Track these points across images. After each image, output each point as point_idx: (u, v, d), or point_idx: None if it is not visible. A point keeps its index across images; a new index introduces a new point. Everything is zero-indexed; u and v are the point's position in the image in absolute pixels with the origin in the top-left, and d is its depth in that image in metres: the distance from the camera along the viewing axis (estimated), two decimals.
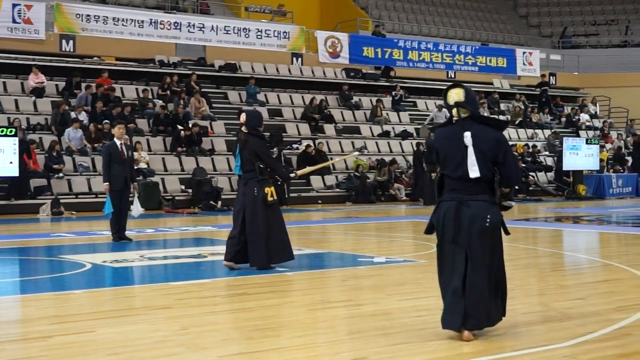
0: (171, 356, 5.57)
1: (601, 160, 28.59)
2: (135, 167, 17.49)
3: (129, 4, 28.65)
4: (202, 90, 26.13)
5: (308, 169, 12.89)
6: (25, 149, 19.72)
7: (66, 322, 6.71)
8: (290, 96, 28.42)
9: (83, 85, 24.03)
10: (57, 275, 9.88)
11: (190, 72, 26.60)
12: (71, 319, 6.88)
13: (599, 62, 37.22)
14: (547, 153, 30.51)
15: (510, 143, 25.21)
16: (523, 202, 24.61)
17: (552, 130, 31.71)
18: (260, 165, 9.63)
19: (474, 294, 5.86)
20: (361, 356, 5.53)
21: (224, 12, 32.27)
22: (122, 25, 25.85)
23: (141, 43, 26.38)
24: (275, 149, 24.10)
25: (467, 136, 5.90)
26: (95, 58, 25.85)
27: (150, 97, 25.19)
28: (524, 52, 34.80)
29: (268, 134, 25.35)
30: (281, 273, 9.48)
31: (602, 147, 29.97)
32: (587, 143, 27.60)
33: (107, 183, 13.00)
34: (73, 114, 22.58)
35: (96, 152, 21.33)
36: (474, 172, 5.88)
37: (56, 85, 24.37)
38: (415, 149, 25.57)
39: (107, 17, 25.64)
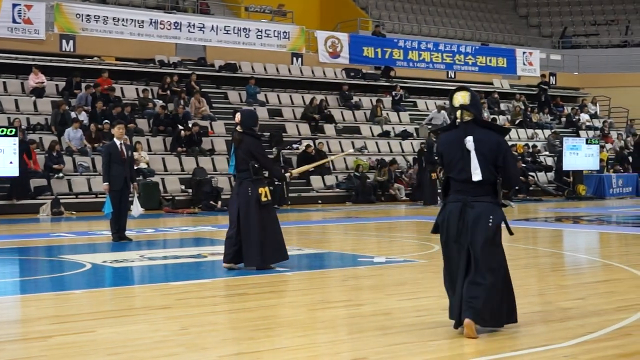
0: (171, 356, 5.57)
1: (601, 160, 28.59)
2: (135, 167, 17.49)
3: (129, 4, 28.65)
4: (202, 90, 26.13)
5: (303, 168, 12.91)
6: (25, 149, 19.71)
7: (66, 322, 6.71)
8: (290, 96, 28.42)
9: (83, 85, 24.03)
10: (57, 275, 9.88)
11: (190, 72, 26.60)
12: (71, 319, 6.88)
13: (599, 62, 37.23)
14: (547, 153, 30.51)
15: (510, 143, 25.35)
16: (523, 202, 24.62)
17: (552, 130, 31.72)
18: (255, 165, 9.60)
19: (476, 291, 5.97)
20: (361, 356, 5.53)
21: (224, 12, 32.27)
22: (122, 25, 25.85)
23: (141, 43, 26.38)
24: (274, 149, 24.14)
25: (470, 140, 6.07)
26: (95, 58, 25.85)
27: (150, 97, 25.19)
28: (524, 52, 34.80)
29: (268, 134, 25.41)
30: (281, 273, 9.48)
31: (602, 147, 29.97)
32: (587, 143, 27.61)
33: (107, 183, 13.00)
34: (73, 114, 22.58)
35: (96, 152, 21.34)
36: (476, 175, 6.06)
37: (56, 85, 24.37)
38: (419, 149, 25.54)
39: (107, 17, 25.63)
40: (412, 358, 5.50)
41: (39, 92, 23.48)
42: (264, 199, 9.58)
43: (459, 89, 6.26)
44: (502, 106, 32.53)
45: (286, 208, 22.21)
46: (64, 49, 25.38)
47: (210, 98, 26.22)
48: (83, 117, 22.70)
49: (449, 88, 33.50)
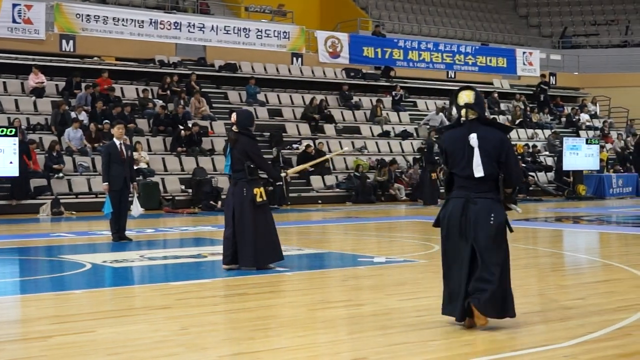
0: (171, 356, 5.57)
1: (601, 160, 28.59)
2: (135, 167, 17.49)
3: (129, 4, 28.65)
4: (202, 90, 26.14)
5: (299, 167, 12.91)
6: (24, 150, 19.68)
7: (66, 322, 6.71)
8: (290, 96, 28.42)
9: (83, 85, 24.03)
10: (57, 275, 9.88)
11: (190, 72, 26.60)
12: (71, 319, 6.88)
13: (599, 62, 37.23)
14: (547, 153, 30.51)
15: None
16: (523, 202, 24.61)
17: (552, 130, 31.72)
18: (250, 165, 9.58)
19: (483, 285, 6.14)
20: (361, 356, 5.53)
21: (224, 12, 32.27)
22: (122, 25, 25.85)
23: (141, 43, 26.38)
24: (274, 149, 24.13)
25: (473, 138, 6.22)
26: (95, 58, 25.85)
27: (150, 97, 25.19)
28: (524, 52, 34.79)
29: (268, 134, 25.42)
30: (281, 273, 9.49)
31: (602, 147, 29.98)
32: (587, 143, 27.61)
33: (107, 183, 13.00)
34: (73, 114, 22.59)
35: (96, 152, 21.34)
36: (478, 171, 6.20)
37: (56, 85, 24.37)
38: (418, 148, 25.55)
39: (107, 17, 25.63)
40: (412, 358, 5.50)
41: (39, 92, 23.48)
42: (259, 199, 9.55)
43: (464, 88, 6.44)
44: (502, 106, 32.52)
45: (286, 208, 22.22)
46: (64, 49, 25.38)
47: (210, 98, 26.22)
48: (83, 117, 22.70)
49: (449, 88, 33.71)
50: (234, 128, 9.73)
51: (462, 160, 6.26)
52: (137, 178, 16.19)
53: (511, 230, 6.39)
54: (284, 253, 9.85)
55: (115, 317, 6.91)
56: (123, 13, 26.29)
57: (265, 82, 28.30)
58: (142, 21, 26.22)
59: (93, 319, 6.76)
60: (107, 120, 22.16)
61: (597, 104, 35.79)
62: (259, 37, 28.50)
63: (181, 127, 23.52)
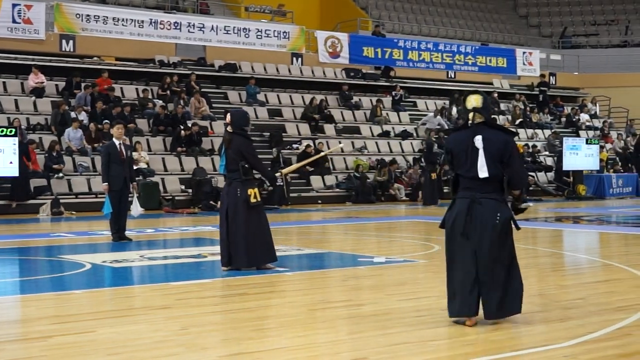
0: (171, 356, 5.57)
1: (601, 160, 28.59)
2: (135, 167, 17.50)
3: (129, 4, 28.65)
4: (202, 90, 26.14)
5: (293, 166, 12.89)
6: (23, 151, 19.62)
7: (66, 322, 6.71)
8: (290, 96, 28.42)
9: (83, 85, 24.03)
10: (57, 276, 9.88)
11: (190, 72, 26.60)
12: (71, 319, 6.88)
13: (599, 62, 37.23)
14: (547, 153, 30.52)
15: None
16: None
17: (552, 130, 31.72)
18: (245, 165, 9.56)
19: (484, 286, 6.30)
20: (361, 356, 5.53)
21: (224, 12, 32.27)
22: (122, 25, 25.85)
23: (141, 43, 26.38)
24: (274, 150, 24.12)
25: (478, 139, 6.38)
26: (95, 58, 25.86)
27: (150, 97, 25.19)
28: (524, 52, 34.79)
29: (268, 134, 25.43)
30: (281, 273, 9.48)
31: (602, 147, 29.97)
32: (587, 143, 27.61)
33: (106, 183, 12.99)
34: (73, 114, 22.59)
35: (96, 152, 21.33)
36: (483, 172, 6.35)
37: (56, 85, 24.37)
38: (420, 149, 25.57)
39: (107, 17, 25.63)
40: (412, 358, 5.50)
41: (38, 92, 23.48)
42: (253, 200, 9.52)
43: (473, 92, 6.62)
44: (502, 106, 32.52)
45: (286, 208, 22.22)
46: (63, 49, 25.38)
47: (210, 98, 26.23)
48: (83, 117, 22.70)
49: (448, 88, 33.67)
50: (229, 128, 9.72)
51: (467, 161, 6.40)
52: (137, 178, 16.19)
53: (518, 228, 6.54)
54: (284, 253, 9.85)
55: (115, 317, 6.91)
56: (123, 13, 26.29)
57: (265, 82, 28.31)
58: (142, 21, 26.22)
59: (93, 319, 6.76)
60: (107, 120, 22.15)
61: (597, 104, 35.79)
62: (258, 37, 28.50)
63: (181, 127, 23.51)
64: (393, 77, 31.36)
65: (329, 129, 27.16)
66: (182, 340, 6.02)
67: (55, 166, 20.73)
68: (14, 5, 24.12)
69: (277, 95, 28.12)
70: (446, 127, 27.82)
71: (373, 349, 5.68)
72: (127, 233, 13.39)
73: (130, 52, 26.46)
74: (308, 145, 24.62)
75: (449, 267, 6.54)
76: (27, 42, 24.63)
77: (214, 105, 26.05)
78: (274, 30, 29.05)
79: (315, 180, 24.64)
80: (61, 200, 19.79)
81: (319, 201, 23.93)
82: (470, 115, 6.49)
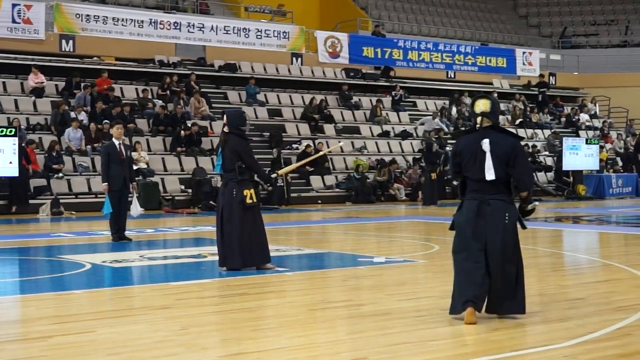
0: (171, 356, 5.57)
1: (601, 160, 28.59)
2: (135, 167, 17.50)
3: (129, 4, 28.65)
4: (202, 90, 26.14)
5: (289, 167, 12.88)
6: (22, 154, 19.51)
7: (66, 322, 6.71)
8: (290, 96, 28.42)
9: (83, 85, 24.02)
10: (57, 276, 9.88)
11: (189, 72, 26.60)
12: (71, 319, 6.88)
13: (599, 62, 37.23)
14: (547, 153, 30.52)
15: None
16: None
17: (552, 130, 31.72)
18: (241, 165, 9.55)
19: (495, 284, 6.49)
20: (361, 356, 5.53)
21: (224, 12, 32.27)
22: (122, 25, 25.86)
23: (141, 43, 26.38)
24: (274, 150, 24.12)
25: (486, 143, 6.54)
26: (95, 58, 25.85)
27: (150, 97, 25.19)
28: (523, 52, 34.80)
29: (268, 134, 25.43)
30: (281, 273, 9.48)
31: (601, 147, 29.97)
32: (586, 143, 27.60)
33: (106, 183, 12.99)
34: (73, 114, 22.58)
35: (96, 152, 21.33)
36: (490, 175, 6.51)
37: (56, 85, 24.37)
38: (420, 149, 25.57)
39: (106, 17, 25.64)
40: (412, 358, 5.50)
41: (38, 92, 23.48)
42: (249, 201, 9.50)
43: (482, 96, 6.81)
44: (502, 106, 32.51)
45: (286, 208, 22.22)
46: (63, 49, 25.38)
47: (210, 98, 26.23)
48: (83, 117, 22.70)
49: (448, 88, 33.63)
50: (225, 128, 9.71)
51: (474, 164, 6.56)
52: (136, 178, 16.19)
53: (524, 227, 6.72)
54: (284, 253, 9.84)
55: (115, 317, 6.91)
56: (123, 13, 26.29)
57: (264, 82, 28.31)
58: (142, 21, 26.23)
59: (93, 319, 6.76)
60: (106, 120, 22.15)
61: (597, 104, 35.79)
62: (258, 37, 28.50)
63: (181, 127, 23.50)
64: (393, 77, 31.37)
65: (329, 129, 27.16)
66: (182, 340, 6.02)
67: (55, 166, 20.73)
68: (13, 5, 24.12)
69: (277, 95, 28.13)
70: (445, 128, 27.81)
71: (373, 349, 5.68)
72: (127, 233, 13.39)
73: (130, 52, 26.46)
74: (308, 145, 24.62)
75: (459, 266, 6.59)
76: (27, 42, 24.63)
77: (213, 105, 26.05)
78: (274, 30, 29.05)
79: (315, 180, 24.64)
80: (61, 200, 19.79)
81: (319, 201, 23.93)
82: (479, 119, 6.65)
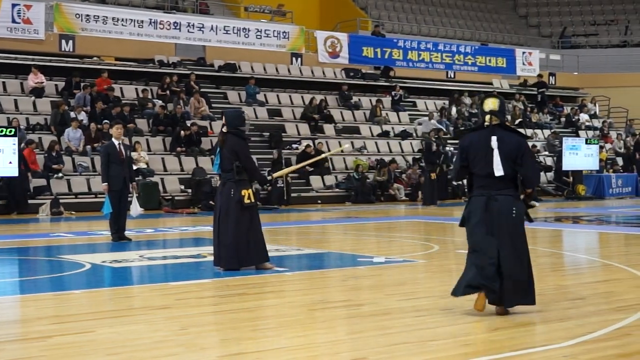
0: (171, 356, 5.57)
1: (601, 160, 28.59)
2: (135, 167, 17.49)
3: (129, 4, 28.65)
4: (202, 90, 26.14)
5: (285, 170, 12.89)
6: (20, 157, 19.42)
7: (66, 322, 6.71)
8: (290, 96, 28.42)
9: (82, 85, 24.01)
10: (57, 276, 9.88)
11: (189, 72, 26.60)
12: (71, 319, 6.87)
13: (599, 62, 37.23)
14: (546, 153, 30.51)
15: None
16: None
17: (552, 130, 31.72)
18: (239, 165, 9.53)
19: (507, 277, 6.68)
20: (361, 356, 5.53)
21: (224, 12, 32.27)
22: (122, 25, 25.86)
23: (141, 43, 26.38)
24: (275, 151, 24.11)
25: (494, 140, 6.79)
26: (95, 58, 25.85)
27: (149, 97, 25.19)
28: (523, 52, 34.80)
29: (267, 134, 25.43)
30: (280, 273, 9.48)
31: (601, 147, 29.97)
32: (586, 143, 27.60)
33: (106, 183, 12.99)
34: (72, 114, 22.58)
35: (95, 152, 21.33)
36: (498, 171, 6.75)
37: (55, 85, 24.37)
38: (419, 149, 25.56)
39: (106, 17, 25.64)
40: (411, 358, 5.50)
41: (38, 92, 23.47)
42: (247, 201, 9.49)
43: (490, 95, 7.10)
44: None
45: (286, 208, 22.22)
46: (63, 49, 25.38)
47: (210, 98, 26.22)
48: (82, 117, 22.70)
49: (448, 88, 33.60)
50: (224, 128, 9.71)
51: (482, 160, 6.79)
52: (136, 178, 16.18)
53: (531, 221, 7.03)
54: (283, 253, 9.82)
55: (114, 317, 6.90)
56: (122, 13, 26.30)
57: (264, 82, 28.31)
58: (142, 21, 26.23)
59: (92, 319, 6.76)
60: (106, 120, 22.15)
61: (597, 104, 35.79)
62: (258, 37, 28.50)
63: (180, 127, 23.49)
64: (393, 77, 31.37)
65: (329, 129, 27.16)
66: (181, 340, 6.02)
67: (54, 166, 20.73)
68: (13, 5, 24.12)
69: (277, 95, 28.13)
70: (444, 129, 27.80)
71: (372, 349, 5.68)
72: (126, 233, 13.39)
73: (130, 52, 26.46)
74: (308, 145, 24.62)
75: (471, 257, 6.84)
76: (27, 42, 24.63)
77: (213, 105, 26.04)
78: (274, 30, 29.06)
79: (315, 180, 24.64)
80: (61, 200, 19.79)
81: (319, 201, 23.93)
82: (487, 117, 6.88)
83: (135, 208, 13.98)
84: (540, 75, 34.40)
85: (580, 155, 27.07)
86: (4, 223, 17.28)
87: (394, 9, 37.89)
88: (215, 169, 9.92)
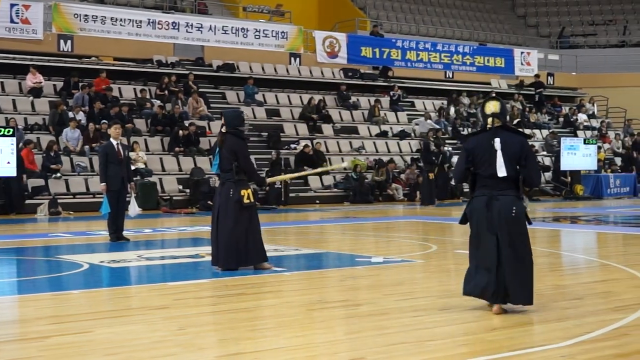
0: (169, 356, 5.57)
1: (599, 161, 28.61)
2: (133, 167, 17.48)
3: (127, 4, 28.64)
4: (200, 90, 26.13)
5: (280, 177, 12.88)
6: (18, 160, 19.39)
7: (64, 323, 6.71)
8: (288, 96, 28.42)
9: (81, 85, 24.00)
10: (55, 276, 9.87)
11: (188, 72, 26.59)
12: (69, 319, 6.87)
13: (597, 62, 37.26)
14: (545, 153, 30.51)
15: None
16: None
17: (550, 130, 31.73)
18: (237, 165, 9.55)
19: (509, 274, 6.80)
20: (359, 356, 5.53)
21: (222, 12, 32.27)
22: (120, 25, 25.85)
23: (139, 43, 26.37)
24: (273, 152, 24.09)
25: (497, 142, 6.96)
26: (93, 58, 25.84)
27: (148, 97, 25.18)
28: (521, 52, 34.82)
29: (266, 134, 25.42)
30: (279, 273, 9.48)
31: (599, 147, 29.99)
32: (584, 143, 27.64)
33: (104, 183, 12.99)
34: (71, 114, 22.57)
35: (94, 152, 21.30)
36: (501, 172, 6.92)
37: (54, 85, 24.36)
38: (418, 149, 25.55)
39: (105, 17, 25.64)
40: (409, 358, 5.50)
41: (36, 92, 23.46)
42: (246, 201, 9.49)
43: (491, 98, 7.26)
44: None
45: (284, 208, 22.22)
46: (61, 49, 25.37)
47: (208, 98, 26.22)
48: (81, 117, 22.68)
49: (446, 88, 33.59)
50: (223, 128, 9.71)
51: (485, 161, 6.95)
52: (134, 178, 16.18)
53: (530, 223, 7.09)
54: (282, 253, 9.82)
55: (113, 317, 6.90)
56: (121, 13, 26.30)
57: (263, 82, 28.30)
58: (140, 21, 26.23)
59: (91, 319, 6.76)
60: (104, 120, 22.12)
61: (595, 104, 35.81)
62: (257, 37, 28.51)
63: (179, 127, 23.48)
64: (391, 77, 31.36)
65: (327, 129, 27.17)
66: (179, 340, 6.02)
67: (53, 166, 20.72)
68: (12, 5, 24.11)
69: (275, 95, 28.12)
70: (442, 129, 27.80)
71: (371, 349, 5.68)
72: (124, 233, 13.39)
73: (128, 52, 26.45)
74: (306, 145, 24.63)
75: (474, 256, 7.04)
76: (25, 42, 24.62)
77: (212, 105, 26.04)
78: (272, 30, 29.06)
79: (313, 180, 24.64)
80: (59, 200, 19.78)
81: (317, 201, 23.93)
82: (490, 120, 7.07)
83: (134, 208, 13.97)
84: (537, 75, 34.41)
85: (578, 155, 27.09)
86: (2, 223, 17.28)
87: (392, 9, 37.89)
88: (214, 169, 9.92)
